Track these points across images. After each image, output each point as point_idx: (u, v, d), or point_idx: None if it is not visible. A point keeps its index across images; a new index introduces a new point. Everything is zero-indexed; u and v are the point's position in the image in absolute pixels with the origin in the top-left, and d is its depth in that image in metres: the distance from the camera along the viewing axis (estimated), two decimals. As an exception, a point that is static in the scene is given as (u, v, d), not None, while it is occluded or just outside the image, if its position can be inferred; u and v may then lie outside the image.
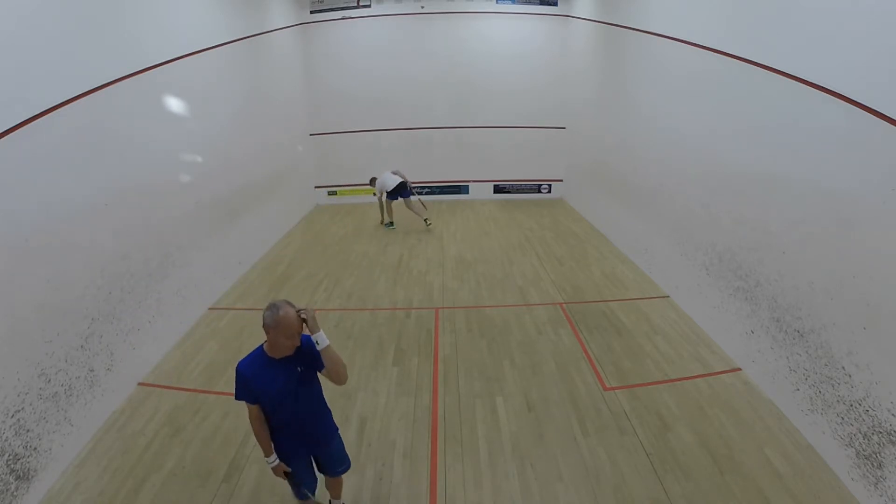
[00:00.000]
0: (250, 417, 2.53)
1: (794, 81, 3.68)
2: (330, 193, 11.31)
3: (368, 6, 10.22)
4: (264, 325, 2.35)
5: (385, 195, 9.10)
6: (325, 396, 2.74)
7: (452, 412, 4.05)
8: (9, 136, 3.21)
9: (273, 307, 2.34)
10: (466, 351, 4.94)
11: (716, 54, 4.78)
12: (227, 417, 3.98)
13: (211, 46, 6.23)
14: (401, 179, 8.89)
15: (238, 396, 2.49)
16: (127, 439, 3.81)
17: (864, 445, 3.06)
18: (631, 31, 6.99)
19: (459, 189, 11.27)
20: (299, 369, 2.50)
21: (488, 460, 3.53)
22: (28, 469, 3.19)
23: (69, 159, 3.78)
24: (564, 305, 5.86)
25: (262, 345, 2.48)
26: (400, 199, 9.11)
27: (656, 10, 6.27)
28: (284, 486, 3.34)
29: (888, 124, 2.88)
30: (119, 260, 4.32)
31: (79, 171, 3.88)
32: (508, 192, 11.35)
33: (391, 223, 9.30)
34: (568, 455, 3.55)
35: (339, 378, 2.53)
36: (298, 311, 2.38)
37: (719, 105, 4.79)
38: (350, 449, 3.65)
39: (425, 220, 8.97)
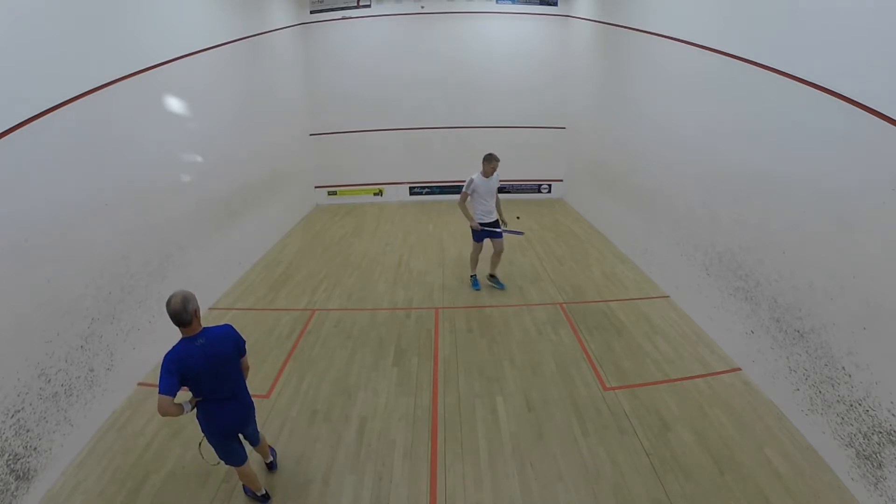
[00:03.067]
0: None
1: (794, 81, 3.68)
2: (330, 193, 11.30)
3: (368, 6, 10.22)
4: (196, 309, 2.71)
5: (475, 226, 5.98)
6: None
7: (452, 412, 4.05)
8: (9, 136, 3.21)
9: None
10: (466, 351, 4.94)
11: (716, 54, 4.78)
12: (227, 417, 3.97)
13: (211, 46, 6.23)
14: (496, 215, 6.07)
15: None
16: (127, 439, 3.81)
17: (864, 445, 3.06)
18: (631, 31, 6.99)
19: (459, 189, 11.21)
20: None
21: (488, 460, 3.53)
22: (28, 469, 3.20)
23: (69, 159, 3.78)
24: (564, 305, 5.86)
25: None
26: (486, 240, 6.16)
27: (656, 9, 6.27)
28: (284, 485, 3.36)
29: (888, 124, 2.88)
30: (119, 260, 4.33)
31: (79, 171, 3.88)
32: (508, 192, 11.33)
33: (484, 279, 6.52)
34: (568, 455, 3.55)
35: None
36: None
37: (719, 105, 4.79)
38: (350, 449, 3.67)
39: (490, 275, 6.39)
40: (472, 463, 3.51)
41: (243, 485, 3.25)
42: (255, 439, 3.23)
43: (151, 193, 4.84)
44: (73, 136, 3.80)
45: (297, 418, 4.02)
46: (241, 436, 3.10)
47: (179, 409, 2.67)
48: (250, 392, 3.10)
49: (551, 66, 10.45)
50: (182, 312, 2.62)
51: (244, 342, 2.99)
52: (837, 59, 3.30)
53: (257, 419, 3.24)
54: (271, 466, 3.48)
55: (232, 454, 3.00)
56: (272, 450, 3.51)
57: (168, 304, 2.63)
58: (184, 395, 2.79)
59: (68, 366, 3.67)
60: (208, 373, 2.72)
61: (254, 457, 3.40)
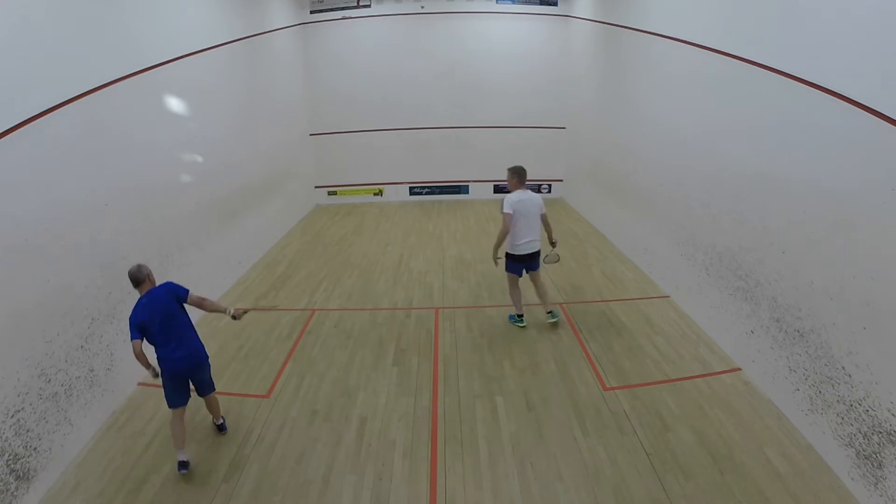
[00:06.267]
0: None
1: (794, 81, 3.68)
2: (330, 193, 11.31)
3: (368, 6, 10.22)
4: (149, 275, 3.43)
5: (506, 258, 5.09)
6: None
7: (452, 412, 4.05)
8: (9, 136, 3.21)
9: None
10: (466, 351, 4.94)
11: (716, 54, 4.78)
12: (227, 417, 3.97)
13: (211, 46, 6.23)
14: (535, 237, 5.04)
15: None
16: (127, 439, 3.81)
17: (864, 445, 3.06)
18: (631, 31, 6.99)
19: (459, 189, 11.27)
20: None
21: (488, 460, 3.53)
22: (28, 469, 3.20)
23: (69, 159, 3.78)
24: (564, 305, 5.86)
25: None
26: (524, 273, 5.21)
27: (656, 9, 6.27)
28: (284, 484, 3.36)
29: (888, 124, 2.88)
30: (119, 260, 4.32)
31: (79, 171, 3.88)
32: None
33: (520, 317, 5.35)
34: (568, 455, 3.55)
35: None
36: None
37: (719, 105, 4.79)
38: (350, 449, 3.68)
39: (548, 312, 5.25)
40: (472, 463, 3.51)
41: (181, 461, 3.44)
42: (204, 390, 3.64)
43: (151, 193, 4.85)
44: (72, 136, 3.80)
45: (297, 418, 4.02)
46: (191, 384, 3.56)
47: (146, 362, 3.28)
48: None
49: (551, 66, 10.45)
50: (136, 274, 3.37)
51: (185, 291, 3.45)
52: (837, 59, 3.29)
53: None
54: (221, 428, 3.82)
55: (173, 396, 3.42)
56: (223, 420, 3.87)
57: (129, 271, 3.39)
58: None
59: (68, 366, 3.67)
60: (154, 322, 3.29)
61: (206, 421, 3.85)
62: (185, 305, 3.48)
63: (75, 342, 3.78)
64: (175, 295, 3.40)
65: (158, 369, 3.42)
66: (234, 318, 3.60)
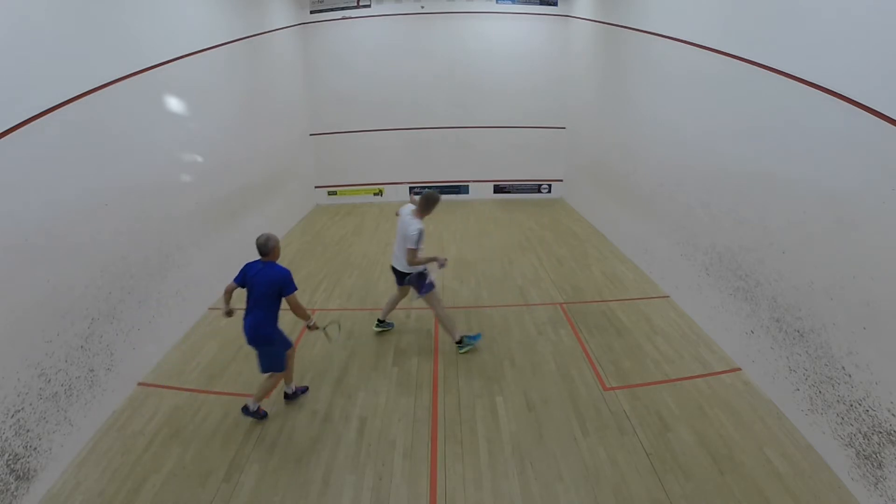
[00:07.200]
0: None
1: (794, 81, 3.69)
2: (330, 193, 11.31)
3: (368, 6, 10.22)
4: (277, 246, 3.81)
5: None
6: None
7: (452, 412, 4.05)
8: (9, 136, 3.21)
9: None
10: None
11: (716, 54, 4.79)
12: (228, 417, 3.98)
13: (211, 46, 6.23)
14: (397, 256, 5.04)
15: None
16: (127, 439, 3.81)
17: (864, 445, 3.06)
18: (631, 30, 6.99)
19: (459, 189, 11.27)
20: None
21: (488, 460, 3.53)
22: (28, 469, 3.20)
23: (69, 159, 3.78)
24: (564, 305, 5.86)
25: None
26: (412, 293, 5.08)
27: (656, 9, 6.27)
28: (284, 484, 3.36)
29: (888, 124, 2.88)
30: (119, 260, 4.32)
31: (79, 171, 3.88)
32: (508, 192, 11.35)
33: (382, 322, 5.35)
34: (568, 455, 3.55)
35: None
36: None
37: (719, 105, 4.79)
38: (350, 449, 3.68)
39: (379, 320, 5.32)
40: (472, 463, 3.51)
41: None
42: (260, 365, 3.92)
43: (151, 193, 4.84)
44: (73, 136, 3.80)
45: (297, 418, 4.02)
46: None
47: (227, 300, 3.86)
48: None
49: (551, 66, 10.45)
50: (262, 246, 3.78)
51: (290, 290, 3.71)
52: (837, 59, 3.30)
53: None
54: (251, 412, 3.96)
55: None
56: (297, 388, 4.26)
57: (257, 241, 3.78)
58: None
59: (68, 366, 3.67)
60: (250, 286, 3.76)
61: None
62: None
63: (75, 342, 3.77)
64: (280, 287, 3.69)
65: (231, 313, 3.89)
66: (309, 327, 3.95)
